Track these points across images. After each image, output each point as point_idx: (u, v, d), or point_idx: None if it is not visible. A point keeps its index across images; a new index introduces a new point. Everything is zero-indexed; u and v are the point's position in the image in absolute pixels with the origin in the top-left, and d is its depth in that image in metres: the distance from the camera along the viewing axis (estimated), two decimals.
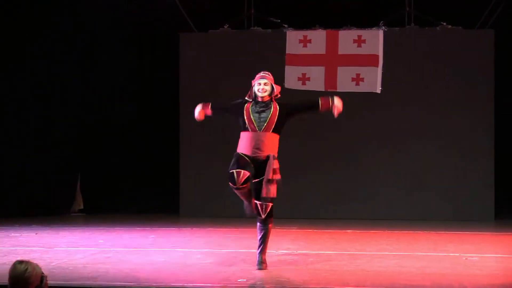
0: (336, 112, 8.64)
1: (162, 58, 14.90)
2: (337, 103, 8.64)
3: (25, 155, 14.45)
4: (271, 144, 8.38)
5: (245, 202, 8.55)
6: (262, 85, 8.44)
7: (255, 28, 14.43)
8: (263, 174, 8.27)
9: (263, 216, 8.44)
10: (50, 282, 4.98)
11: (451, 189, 13.87)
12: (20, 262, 4.81)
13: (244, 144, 8.40)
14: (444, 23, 13.99)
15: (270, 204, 8.46)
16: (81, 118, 15.02)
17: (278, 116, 8.39)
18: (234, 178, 8.21)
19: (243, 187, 8.27)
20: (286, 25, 14.22)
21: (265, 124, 8.35)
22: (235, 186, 8.25)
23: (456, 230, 12.27)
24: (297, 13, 14.45)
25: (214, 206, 13.98)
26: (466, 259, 9.42)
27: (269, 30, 14.35)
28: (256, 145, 8.33)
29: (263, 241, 8.54)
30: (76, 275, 8.13)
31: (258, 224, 8.54)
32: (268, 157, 8.31)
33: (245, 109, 8.45)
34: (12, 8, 14.23)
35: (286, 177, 13.34)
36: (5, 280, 7.54)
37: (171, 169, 14.61)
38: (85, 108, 15.05)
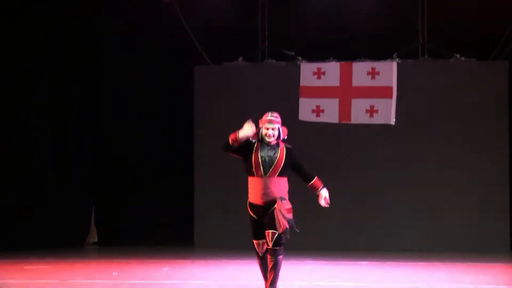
0: (323, 202, 8.51)
1: (177, 91, 14.96)
2: (324, 193, 8.53)
3: (40, 186, 14.48)
4: (279, 188, 8.33)
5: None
6: (270, 130, 8.39)
7: (269, 60, 14.48)
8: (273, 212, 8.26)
9: (270, 245, 8.34)
10: None
11: (467, 220, 13.81)
12: None
13: (253, 192, 8.36)
14: (458, 55, 14.00)
15: (280, 233, 8.31)
16: (96, 151, 15.06)
17: (284, 160, 8.33)
18: (256, 249, 8.35)
19: (264, 257, 8.36)
20: (300, 58, 14.28)
21: (271, 170, 8.31)
22: (259, 255, 8.37)
23: (472, 262, 12.18)
24: (311, 46, 14.50)
25: (229, 237, 13.95)
26: None
27: (283, 62, 14.41)
28: (265, 192, 8.28)
29: (273, 274, 8.38)
30: None
31: (268, 256, 8.42)
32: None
33: (254, 150, 8.39)
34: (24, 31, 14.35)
35: (302, 208, 13.33)
36: None
37: (186, 201, 14.60)
38: (100, 141, 15.11)
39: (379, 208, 14.04)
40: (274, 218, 8.18)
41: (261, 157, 8.30)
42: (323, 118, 14.09)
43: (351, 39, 14.45)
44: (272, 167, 8.26)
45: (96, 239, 14.99)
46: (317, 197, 8.41)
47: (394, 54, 14.06)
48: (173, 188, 15.08)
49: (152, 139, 15.19)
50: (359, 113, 13.99)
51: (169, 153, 15.10)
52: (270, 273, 8.39)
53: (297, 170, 8.46)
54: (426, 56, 14.17)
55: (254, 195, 8.31)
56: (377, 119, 13.95)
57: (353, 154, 14.16)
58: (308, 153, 13.96)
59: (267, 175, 8.27)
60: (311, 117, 14.12)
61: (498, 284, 9.88)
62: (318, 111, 14.10)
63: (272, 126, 8.35)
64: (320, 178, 8.49)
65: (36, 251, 13.36)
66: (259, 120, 8.54)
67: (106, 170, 15.18)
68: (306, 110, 14.14)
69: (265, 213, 8.25)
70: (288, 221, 8.21)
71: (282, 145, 8.41)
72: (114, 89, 15.07)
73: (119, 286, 9.73)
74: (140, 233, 14.88)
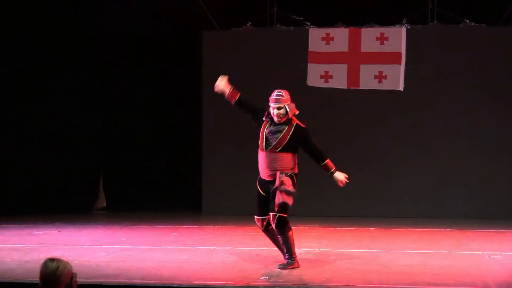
0: (340, 184, 8.80)
1: (184, 56, 14.90)
2: (339, 177, 8.78)
3: (49, 153, 14.53)
4: (282, 163, 8.36)
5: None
6: (275, 110, 8.37)
7: (278, 26, 14.40)
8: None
9: (273, 227, 8.42)
10: None
11: (475, 187, 13.78)
12: (52, 260, 4.77)
13: (260, 167, 8.50)
14: (467, 20, 13.89)
15: (280, 215, 8.36)
16: (105, 116, 15.06)
17: (290, 138, 8.36)
18: (257, 224, 8.62)
19: (268, 230, 8.57)
20: (308, 23, 14.19)
21: (273, 145, 8.33)
22: (261, 230, 8.65)
23: (479, 229, 12.19)
24: (320, 11, 14.40)
25: (236, 204, 13.95)
26: (489, 257, 9.37)
27: (292, 28, 14.33)
28: (268, 166, 8.38)
29: (285, 247, 8.52)
30: (98, 273, 8.17)
31: (275, 231, 8.53)
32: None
33: (263, 125, 8.43)
34: (24, 15, 14.34)
35: (309, 175, 13.34)
36: (30, 277, 7.65)
37: (194, 167, 14.62)
38: (108, 107, 15.10)
39: (386, 175, 14.02)
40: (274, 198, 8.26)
41: (266, 133, 8.35)
42: (331, 84, 14.04)
43: (360, 5, 14.34)
44: (275, 142, 8.30)
45: (104, 204, 15.02)
46: (331, 178, 8.50)
47: (403, 20, 13.96)
48: (181, 154, 15.09)
49: (160, 105, 15.16)
50: (367, 79, 13.92)
51: (177, 119, 15.08)
52: (283, 246, 8.51)
53: (308, 151, 8.51)
54: (435, 22, 14.06)
55: (260, 169, 8.42)
56: (386, 85, 13.89)
57: (360, 120, 14.12)
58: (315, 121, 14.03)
59: (268, 149, 8.29)
60: (320, 83, 14.07)
61: (506, 251, 9.90)
62: (326, 76, 14.04)
63: (278, 105, 8.36)
64: (330, 160, 8.80)
65: (46, 216, 13.40)
66: (269, 98, 8.53)
67: (115, 135, 15.18)
68: (314, 76, 14.08)
69: (269, 188, 8.29)
70: (289, 193, 8.26)
71: (294, 122, 8.38)
72: (120, 55, 14.99)
73: (127, 251, 9.77)
74: (148, 199, 14.91)
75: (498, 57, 13.80)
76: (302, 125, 8.52)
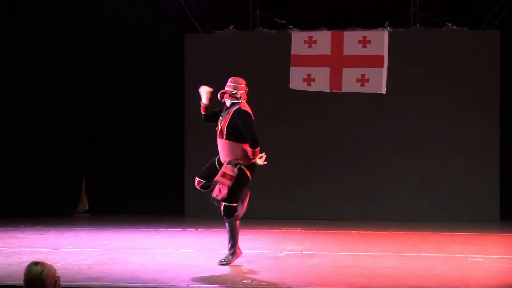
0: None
1: (167, 59, 14.89)
2: (258, 161, 8.86)
3: (30, 155, 14.47)
4: (229, 151, 8.81)
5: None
6: (225, 95, 8.98)
7: (260, 29, 14.42)
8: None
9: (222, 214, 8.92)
10: None
11: (456, 190, 13.83)
12: (36, 263, 4.74)
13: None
14: (450, 24, 13.96)
15: (228, 204, 8.82)
16: (86, 119, 15.01)
17: (228, 122, 8.82)
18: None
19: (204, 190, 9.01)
20: (291, 26, 14.21)
21: (219, 132, 8.90)
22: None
23: (461, 231, 12.25)
24: (303, 14, 14.43)
25: (219, 207, 13.93)
26: (471, 260, 9.41)
27: (274, 31, 14.34)
28: (220, 152, 8.95)
29: (229, 234, 8.94)
30: (81, 276, 8.15)
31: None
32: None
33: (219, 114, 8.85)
34: (17, 11, 14.30)
35: (294, 177, 13.36)
36: (12, 280, 7.61)
37: (176, 169, 14.61)
38: (89, 108, 15.05)
39: (368, 177, 14.04)
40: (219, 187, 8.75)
41: (220, 120, 8.85)
42: (314, 87, 14.06)
43: (342, 8, 14.38)
44: (220, 129, 8.57)
45: (87, 208, 14.98)
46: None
47: (386, 23, 14.01)
48: (163, 156, 15.07)
49: (143, 108, 15.13)
50: (350, 82, 13.95)
51: (160, 121, 15.05)
52: (228, 234, 9.00)
53: (235, 133, 8.79)
54: (418, 25, 14.11)
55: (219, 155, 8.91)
56: (368, 88, 13.92)
57: (343, 123, 14.16)
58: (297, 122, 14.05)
59: (218, 136, 8.92)
60: (302, 86, 14.09)
61: (487, 253, 9.95)
62: (309, 80, 14.06)
63: (223, 90, 8.86)
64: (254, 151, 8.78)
65: (28, 219, 13.35)
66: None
67: (97, 138, 15.13)
68: (297, 79, 14.09)
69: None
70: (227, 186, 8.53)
71: (234, 108, 8.63)
72: (103, 57, 14.95)
73: (109, 254, 9.75)
74: (131, 202, 14.86)
75: (481, 61, 13.87)
76: (239, 108, 8.61)
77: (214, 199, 8.81)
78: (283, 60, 13.98)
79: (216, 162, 8.94)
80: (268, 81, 14.20)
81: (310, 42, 14.08)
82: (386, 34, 13.93)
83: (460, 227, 12.63)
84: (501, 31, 13.79)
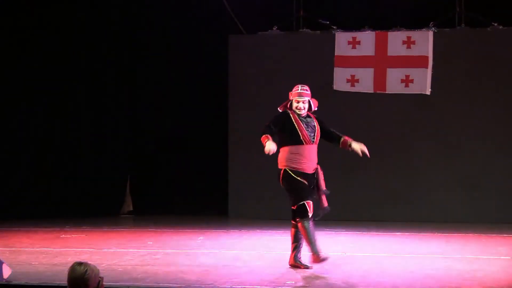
0: (361, 153, 8.93)
1: (211, 60, 14.92)
2: (356, 147, 8.86)
3: (77, 157, 14.62)
4: (316, 156, 8.70)
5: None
6: (300, 103, 8.61)
7: (304, 30, 14.39)
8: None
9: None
10: None
11: (503, 191, 13.67)
12: (79, 264, 4.76)
13: (302, 160, 8.54)
14: (496, 24, 13.81)
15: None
16: (132, 120, 15.12)
17: (320, 129, 8.68)
18: (306, 209, 8.42)
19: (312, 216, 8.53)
20: (335, 27, 14.17)
21: (315, 137, 8.62)
22: (307, 218, 8.46)
23: (506, 233, 12.08)
24: (346, 15, 14.37)
25: (263, 208, 13.97)
26: None
27: (318, 31, 14.31)
28: (312, 160, 8.59)
29: (296, 243, 8.69)
30: (125, 276, 8.19)
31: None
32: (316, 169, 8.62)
33: (294, 120, 8.53)
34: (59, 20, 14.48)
35: (337, 178, 13.30)
36: (58, 280, 7.69)
37: (221, 171, 14.63)
38: (135, 111, 15.15)
39: (413, 179, 13.95)
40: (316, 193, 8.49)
41: (305, 126, 8.46)
42: (358, 88, 14.00)
43: (386, 8, 14.29)
44: (315, 135, 8.48)
45: (131, 208, 15.08)
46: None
47: (430, 23, 13.90)
48: (207, 157, 15.09)
49: (187, 109, 15.17)
50: (394, 83, 13.87)
51: (203, 122, 15.08)
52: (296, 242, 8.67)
53: (328, 136, 8.62)
54: (463, 25, 13.98)
55: (303, 163, 8.46)
56: (412, 89, 13.83)
57: (386, 123, 14.07)
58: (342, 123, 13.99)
59: (313, 142, 8.55)
60: (346, 87, 14.04)
61: None
62: (352, 80, 14.01)
63: (303, 99, 8.59)
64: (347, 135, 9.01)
65: (73, 220, 13.48)
66: (289, 93, 8.67)
67: (141, 139, 15.22)
68: (341, 80, 14.05)
69: (312, 180, 8.50)
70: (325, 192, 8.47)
71: (313, 115, 8.62)
72: (147, 59, 15.05)
73: (153, 255, 9.80)
74: (174, 203, 14.92)
75: None
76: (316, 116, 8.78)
77: (326, 208, 8.66)
78: (327, 61, 13.95)
79: (301, 178, 8.54)
80: (311, 82, 13.97)
81: (354, 43, 14.03)
82: (430, 34, 13.82)
83: (505, 229, 12.46)
84: None
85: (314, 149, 8.61)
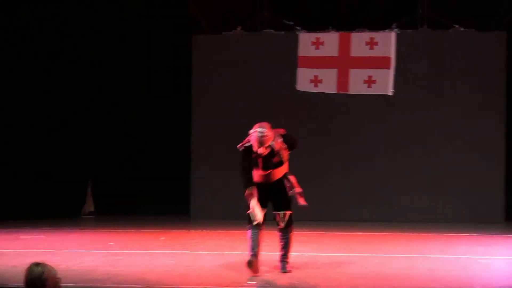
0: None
1: (175, 61, 14.87)
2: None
3: (37, 158, 14.49)
4: (280, 172, 8.48)
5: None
6: (260, 150, 8.24)
7: (268, 30, 14.41)
8: (277, 191, 8.43)
9: (282, 225, 8.46)
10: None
11: (462, 191, 13.82)
12: (37, 264, 4.72)
13: (257, 178, 8.43)
14: (457, 26, 13.93)
15: (288, 212, 8.48)
16: (93, 121, 15.02)
17: (281, 156, 8.43)
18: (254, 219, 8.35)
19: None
20: (299, 27, 14.19)
21: (272, 167, 8.40)
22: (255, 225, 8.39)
23: (467, 232, 12.21)
24: (310, 16, 14.41)
25: (224, 208, 13.96)
26: (476, 261, 9.37)
27: (282, 32, 14.34)
28: (268, 179, 8.44)
29: (285, 247, 8.56)
30: (86, 277, 8.13)
31: (279, 234, 8.54)
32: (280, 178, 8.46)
33: (258, 160, 8.38)
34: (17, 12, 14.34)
35: (300, 179, 13.33)
36: (16, 282, 7.60)
37: (183, 172, 14.60)
38: (97, 111, 15.06)
39: (374, 179, 14.03)
40: (281, 198, 8.28)
41: (264, 162, 8.28)
42: (321, 88, 14.03)
43: (350, 9, 14.35)
44: (272, 165, 8.31)
45: (92, 209, 14.99)
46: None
47: (393, 24, 13.98)
48: (170, 158, 15.04)
49: (149, 110, 15.12)
50: (357, 84, 13.92)
51: (167, 123, 15.03)
52: (284, 249, 8.49)
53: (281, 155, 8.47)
54: (425, 27, 14.08)
55: (258, 179, 8.40)
56: (375, 90, 13.89)
57: (350, 124, 14.14)
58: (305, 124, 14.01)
59: (273, 169, 8.41)
60: (309, 87, 14.06)
61: (492, 254, 9.91)
62: (316, 81, 14.04)
63: (263, 146, 8.24)
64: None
65: (33, 220, 13.36)
66: (249, 132, 8.35)
67: (103, 140, 15.13)
68: (304, 80, 14.07)
69: (269, 190, 8.33)
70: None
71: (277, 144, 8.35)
72: (107, 60, 14.95)
73: (115, 256, 9.74)
74: (136, 204, 14.86)
75: (488, 62, 13.85)
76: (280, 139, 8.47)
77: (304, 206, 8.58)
78: (290, 61, 13.96)
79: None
80: (275, 82, 14.20)
81: (318, 44, 14.06)
82: (393, 35, 13.89)
83: (465, 228, 12.61)
84: (508, 33, 13.75)
85: (275, 171, 8.44)
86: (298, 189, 8.54)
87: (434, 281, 8.00)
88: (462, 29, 13.95)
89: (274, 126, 13.65)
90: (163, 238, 11.58)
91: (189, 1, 14.22)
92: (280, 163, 8.45)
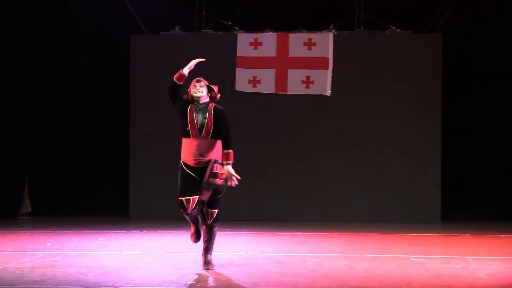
0: (230, 182, 8.51)
1: (112, 60, 14.77)
2: (231, 170, 8.48)
3: None
4: (213, 150, 8.48)
5: (192, 229, 8.65)
6: (197, 87, 8.56)
7: (206, 30, 14.41)
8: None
9: (209, 222, 8.52)
10: None
11: (399, 191, 14.00)
12: None
13: (187, 153, 8.50)
14: (393, 27, 14.12)
15: (216, 211, 8.54)
16: (29, 120, 14.83)
17: (214, 121, 8.46)
18: (184, 205, 8.38)
19: (193, 212, 8.44)
20: (237, 28, 14.24)
21: (203, 131, 8.40)
22: (185, 213, 8.43)
23: (404, 232, 12.39)
24: (248, 16, 14.46)
25: (163, 209, 13.92)
26: (413, 260, 9.52)
27: (220, 32, 14.35)
28: (197, 153, 8.43)
29: (210, 243, 8.67)
30: (23, 279, 8.04)
31: (203, 227, 8.61)
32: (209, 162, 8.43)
33: (189, 109, 8.51)
34: None
35: (239, 179, 13.38)
36: None
37: (121, 172, 14.52)
38: (33, 110, 14.87)
39: (313, 179, 14.13)
40: (209, 193, 8.33)
41: (196, 117, 8.41)
42: (259, 89, 14.10)
43: (288, 10, 14.44)
44: (204, 127, 8.37)
45: (29, 210, 14.80)
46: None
47: (331, 25, 14.11)
48: (108, 158, 14.93)
49: (87, 108, 14.97)
50: (295, 84, 14.03)
51: (104, 122, 14.91)
52: (206, 243, 8.56)
53: (218, 131, 8.48)
54: (362, 28, 14.24)
55: (187, 155, 8.41)
56: (313, 90, 14.01)
57: (289, 124, 14.22)
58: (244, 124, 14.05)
59: (201, 135, 8.33)
60: (248, 88, 14.12)
61: (429, 254, 10.08)
62: (254, 81, 14.10)
63: (200, 84, 8.49)
64: (230, 152, 8.52)
65: None
66: (187, 89, 8.61)
67: (39, 139, 14.94)
68: (242, 81, 14.13)
69: (198, 174, 8.33)
70: (218, 186, 8.37)
71: (211, 105, 8.51)
72: (47, 56, 14.79)
73: (52, 257, 9.66)
74: (74, 204, 14.72)
75: (423, 63, 14.06)
76: (218, 106, 8.62)
77: (203, 202, 8.45)
78: (229, 61, 14.00)
79: (189, 171, 8.44)
80: (214, 82, 14.11)
81: (256, 44, 14.12)
82: (331, 36, 14.03)
83: (402, 228, 12.79)
84: (443, 34, 13.98)
85: (205, 142, 8.41)
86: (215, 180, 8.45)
87: (372, 280, 8.11)
88: (398, 30, 14.14)
89: None
90: (101, 239, 11.51)
91: (127, 0, 14.13)
92: (215, 132, 8.41)
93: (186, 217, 8.53)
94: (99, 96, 14.92)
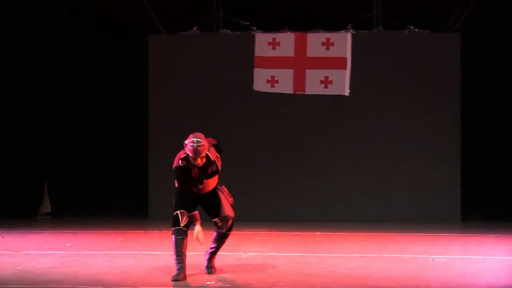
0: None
1: (130, 60, 14.81)
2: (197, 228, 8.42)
3: None
4: (211, 183, 8.52)
5: (177, 266, 8.44)
6: (198, 161, 8.23)
7: (224, 30, 14.43)
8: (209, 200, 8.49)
9: (224, 231, 8.54)
10: (17, 285, 4.92)
11: (418, 191, 13.94)
12: None
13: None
14: (412, 27, 14.08)
15: (231, 221, 8.57)
16: (50, 121, 14.90)
17: (212, 175, 8.47)
18: (178, 218, 8.35)
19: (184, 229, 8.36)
20: (255, 28, 14.25)
21: (204, 183, 8.44)
22: (177, 228, 8.37)
23: (423, 232, 12.35)
24: (266, 16, 14.47)
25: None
26: (433, 260, 9.50)
27: (238, 32, 14.36)
28: (200, 192, 8.49)
29: (218, 249, 8.70)
30: (43, 278, 8.09)
31: (217, 233, 8.63)
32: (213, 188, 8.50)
33: (193, 173, 8.39)
34: None
35: (255, 179, 13.37)
36: None
37: (140, 172, 14.55)
38: (53, 111, 14.93)
39: (331, 179, 14.09)
40: (219, 205, 8.35)
41: (198, 176, 8.34)
42: (277, 89, 14.11)
43: (306, 10, 14.43)
44: (204, 182, 8.38)
45: (49, 210, 14.87)
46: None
47: (349, 25, 14.10)
48: (128, 159, 14.96)
49: (106, 110, 15.02)
50: (313, 84, 14.03)
51: (124, 124, 14.94)
52: (216, 248, 8.60)
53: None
54: (380, 27, 14.22)
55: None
56: (332, 90, 14.01)
57: (306, 125, 14.21)
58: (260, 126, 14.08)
59: (208, 179, 8.44)
60: (266, 88, 14.14)
61: (449, 253, 10.05)
62: (272, 81, 14.11)
63: (200, 156, 8.22)
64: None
65: None
66: (184, 142, 8.34)
67: (59, 140, 15.01)
68: (260, 81, 14.14)
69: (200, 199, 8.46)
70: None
71: (211, 162, 8.36)
72: (63, 57, 14.83)
73: (72, 257, 9.70)
74: (94, 204, 14.75)
75: (442, 63, 14.00)
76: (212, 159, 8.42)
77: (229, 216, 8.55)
78: (247, 61, 14.02)
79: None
80: (231, 82, 14.22)
81: (274, 44, 14.13)
82: (349, 36, 14.02)
83: (422, 228, 12.74)
84: (462, 34, 13.93)
85: (204, 185, 8.46)
86: (231, 199, 8.60)
87: (391, 281, 8.10)
88: (416, 30, 14.10)
89: (230, 126, 13.83)
90: (121, 239, 11.55)
91: (145, 0, 14.17)
92: (216, 172, 8.46)
93: (174, 240, 8.35)
94: (118, 97, 14.94)
